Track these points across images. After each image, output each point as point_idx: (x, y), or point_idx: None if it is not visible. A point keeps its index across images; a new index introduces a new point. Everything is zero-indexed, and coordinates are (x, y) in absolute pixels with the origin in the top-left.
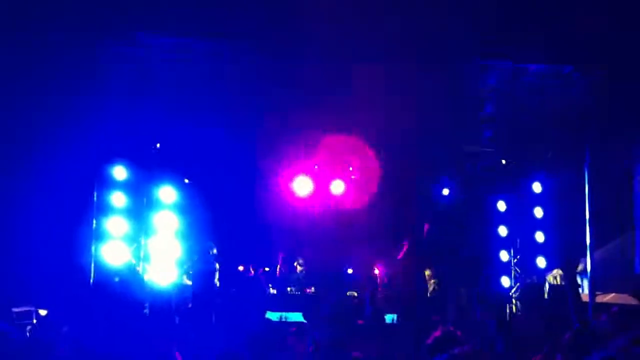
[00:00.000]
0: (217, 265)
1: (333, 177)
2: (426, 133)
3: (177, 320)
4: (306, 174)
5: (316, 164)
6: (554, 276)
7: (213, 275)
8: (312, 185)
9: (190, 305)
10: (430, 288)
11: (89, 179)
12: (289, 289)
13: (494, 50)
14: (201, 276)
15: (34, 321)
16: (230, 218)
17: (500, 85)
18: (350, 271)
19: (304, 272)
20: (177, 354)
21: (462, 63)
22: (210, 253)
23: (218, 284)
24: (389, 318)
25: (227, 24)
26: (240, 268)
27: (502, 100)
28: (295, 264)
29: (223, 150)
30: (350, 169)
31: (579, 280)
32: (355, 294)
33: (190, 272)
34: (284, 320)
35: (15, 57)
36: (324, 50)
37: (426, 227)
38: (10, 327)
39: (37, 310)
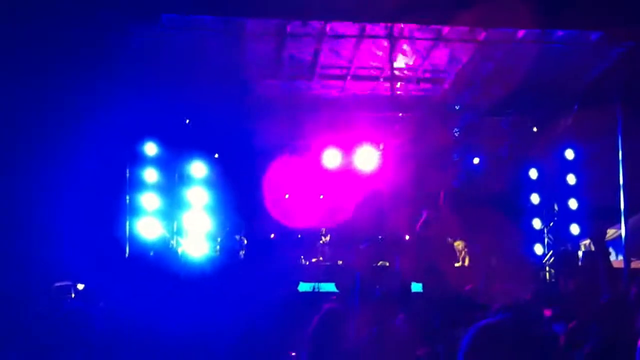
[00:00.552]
0: (245, 241)
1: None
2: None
3: (209, 291)
4: (335, 146)
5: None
6: (587, 244)
7: (239, 250)
8: (341, 157)
9: (222, 278)
10: (462, 259)
11: (121, 156)
12: (314, 259)
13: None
14: (228, 249)
15: (72, 295)
16: (259, 192)
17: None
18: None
19: (327, 242)
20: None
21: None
22: (238, 229)
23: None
24: (416, 287)
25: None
26: (272, 236)
27: (532, 69)
28: (321, 235)
29: (250, 124)
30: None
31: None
32: (387, 264)
33: (219, 247)
34: (316, 290)
35: (50, 39)
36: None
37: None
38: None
39: (75, 285)
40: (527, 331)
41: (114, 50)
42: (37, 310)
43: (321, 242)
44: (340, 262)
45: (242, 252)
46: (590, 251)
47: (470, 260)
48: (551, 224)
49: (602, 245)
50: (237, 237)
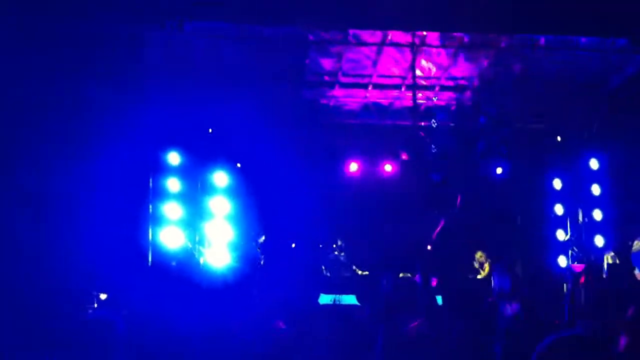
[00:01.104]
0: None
1: (383, 157)
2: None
3: (231, 301)
4: (357, 155)
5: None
6: (612, 256)
7: (258, 261)
8: (363, 166)
9: (244, 288)
10: (486, 270)
11: (144, 166)
12: (326, 271)
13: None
14: (249, 259)
15: (95, 305)
16: (281, 201)
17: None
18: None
19: (343, 255)
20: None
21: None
22: (259, 240)
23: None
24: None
25: (273, 6)
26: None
27: (554, 77)
28: (335, 245)
29: (272, 133)
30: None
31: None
32: (410, 275)
33: (243, 255)
34: (337, 302)
35: (70, 50)
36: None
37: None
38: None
39: (98, 294)
40: (597, 346)
41: (136, 60)
42: (61, 317)
43: (341, 253)
44: (361, 272)
45: (262, 262)
46: (615, 264)
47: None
48: (575, 236)
49: (627, 258)
50: (258, 247)
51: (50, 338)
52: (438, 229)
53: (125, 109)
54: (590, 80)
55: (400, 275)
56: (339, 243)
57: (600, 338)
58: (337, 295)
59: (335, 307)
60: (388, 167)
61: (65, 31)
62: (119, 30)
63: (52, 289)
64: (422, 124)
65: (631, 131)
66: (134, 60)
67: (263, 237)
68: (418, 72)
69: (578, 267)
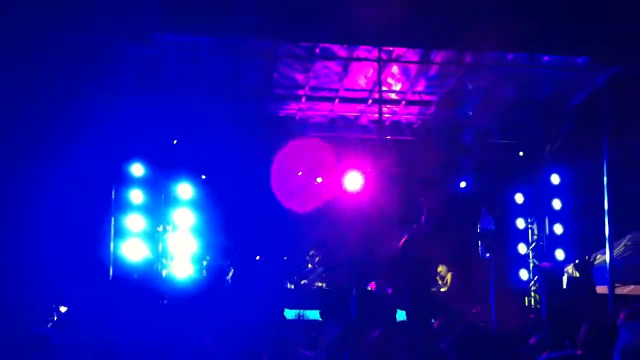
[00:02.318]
0: (230, 264)
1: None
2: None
3: (193, 314)
4: (323, 168)
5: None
6: (572, 269)
7: (226, 272)
8: (328, 179)
9: (207, 301)
10: (447, 284)
11: (107, 177)
12: (302, 281)
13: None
14: (215, 272)
15: (55, 318)
16: (246, 214)
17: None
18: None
19: (317, 266)
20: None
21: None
22: (225, 250)
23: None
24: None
25: (242, 21)
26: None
27: (519, 92)
28: (307, 257)
29: (239, 146)
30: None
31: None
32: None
33: (205, 268)
34: (301, 318)
35: (35, 58)
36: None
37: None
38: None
39: (58, 307)
40: None
41: (102, 70)
42: (16, 331)
43: (309, 265)
44: (324, 286)
45: (229, 275)
46: (574, 277)
47: (451, 285)
48: (536, 250)
49: (587, 272)
50: (226, 248)
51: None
52: (402, 241)
53: (90, 119)
54: (552, 96)
55: (368, 288)
56: (308, 256)
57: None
58: (302, 310)
59: (300, 322)
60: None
61: (32, 39)
62: (86, 42)
63: (8, 302)
64: (388, 137)
65: (592, 146)
66: (100, 71)
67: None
68: (386, 86)
69: (546, 264)
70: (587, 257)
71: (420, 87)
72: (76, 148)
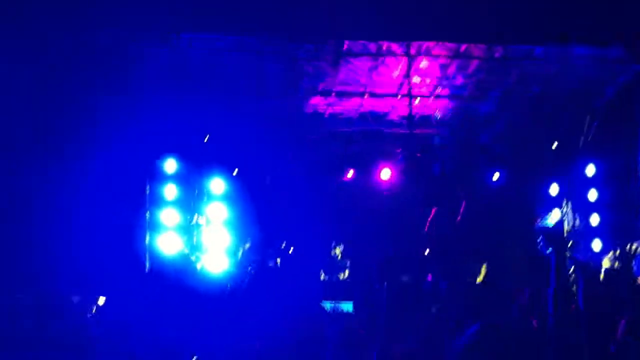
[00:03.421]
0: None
1: (381, 164)
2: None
3: (230, 308)
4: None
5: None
6: (609, 260)
7: (263, 265)
8: (359, 174)
9: (242, 294)
10: (482, 275)
11: (142, 173)
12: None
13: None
14: (251, 266)
15: (93, 310)
16: (279, 208)
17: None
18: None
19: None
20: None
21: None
22: (259, 244)
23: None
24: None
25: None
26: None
27: (551, 84)
28: (333, 251)
29: (269, 141)
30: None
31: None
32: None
33: (241, 261)
34: (336, 309)
35: (69, 59)
36: None
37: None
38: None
39: (97, 299)
40: None
41: (134, 67)
42: (57, 323)
43: (338, 258)
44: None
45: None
46: (612, 269)
47: (486, 277)
48: (572, 241)
49: (626, 263)
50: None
51: (43, 344)
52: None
53: (123, 116)
54: (586, 88)
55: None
56: (338, 250)
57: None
58: (335, 302)
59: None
60: (385, 174)
61: (64, 41)
62: (118, 41)
63: (47, 295)
64: (418, 131)
65: (627, 137)
66: (132, 69)
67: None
68: (416, 80)
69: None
70: (627, 248)
71: (450, 82)
72: (111, 146)
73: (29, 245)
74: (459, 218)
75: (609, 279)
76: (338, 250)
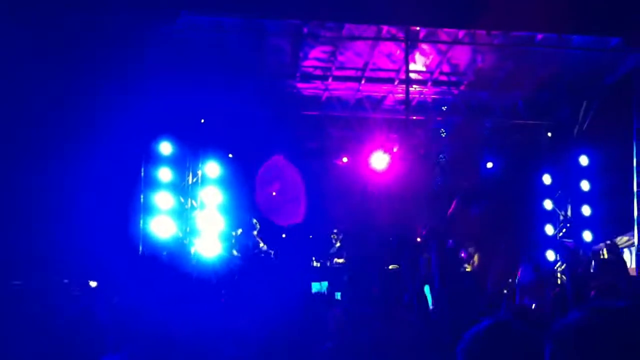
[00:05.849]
0: (260, 240)
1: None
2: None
3: (221, 291)
4: (349, 147)
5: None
6: (601, 250)
7: (255, 248)
8: (355, 158)
9: (235, 277)
10: (472, 263)
11: (136, 155)
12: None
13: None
14: (244, 249)
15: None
16: (270, 193)
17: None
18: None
19: (340, 244)
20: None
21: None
22: (254, 227)
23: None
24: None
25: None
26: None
27: (546, 74)
28: (332, 236)
29: (265, 125)
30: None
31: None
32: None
33: (235, 245)
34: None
35: (63, 40)
36: None
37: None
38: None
39: (88, 282)
40: None
41: (129, 51)
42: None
43: (335, 243)
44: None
45: (262, 247)
46: (604, 258)
47: (479, 264)
48: (564, 230)
49: (617, 253)
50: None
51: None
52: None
53: (117, 100)
54: (582, 77)
55: (390, 267)
56: (333, 235)
57: None
58: (323, 283)
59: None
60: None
61: (57, 24)
62: (113, 24)
63: (42, 277)
64: (414, 118)
65: (621, 128)
66: (126, 52)
67: (258, 227)
68: (414, 65)
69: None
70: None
71: (447, 68)
72: (106, 128)
73: (26, 230)
74: (454, 205)
75: (601, 269)
76: (332, 236)
